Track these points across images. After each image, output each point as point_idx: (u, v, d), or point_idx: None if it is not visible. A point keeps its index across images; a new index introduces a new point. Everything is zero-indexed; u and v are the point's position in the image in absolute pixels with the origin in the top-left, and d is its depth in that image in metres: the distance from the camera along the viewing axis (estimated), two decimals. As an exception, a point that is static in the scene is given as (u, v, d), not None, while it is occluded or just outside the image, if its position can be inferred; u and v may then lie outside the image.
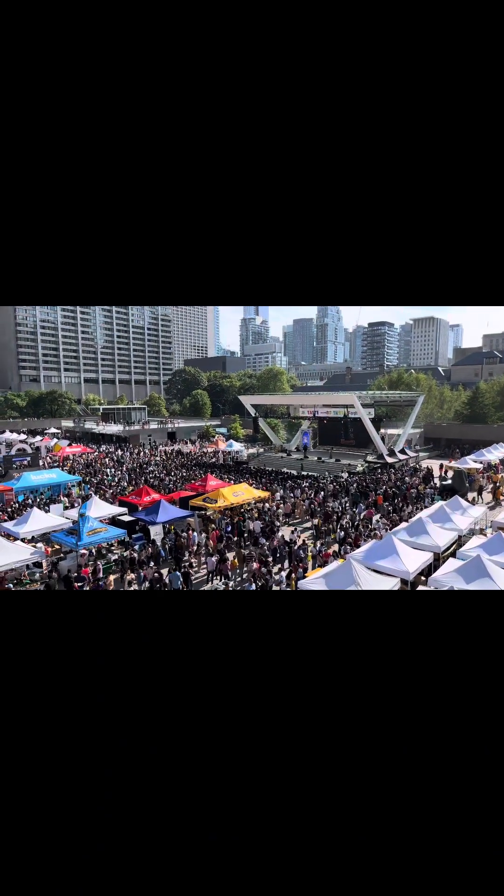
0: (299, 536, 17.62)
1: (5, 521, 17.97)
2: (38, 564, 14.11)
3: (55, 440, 44.40)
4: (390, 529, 16.48)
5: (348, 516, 19.75)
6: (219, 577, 14.19)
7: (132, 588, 12.90)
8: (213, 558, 15.15)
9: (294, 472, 32.30)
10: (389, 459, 32.16)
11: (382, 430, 35.41)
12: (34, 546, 14.69)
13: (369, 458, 33.53)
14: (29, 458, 34.20)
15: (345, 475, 29.74)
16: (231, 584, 13.26)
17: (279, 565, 15.72)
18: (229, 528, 18.23)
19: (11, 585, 12.98)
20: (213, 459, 39.53)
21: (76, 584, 12.94)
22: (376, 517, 19.47)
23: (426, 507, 19.96)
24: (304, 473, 31.60)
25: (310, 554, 15.80)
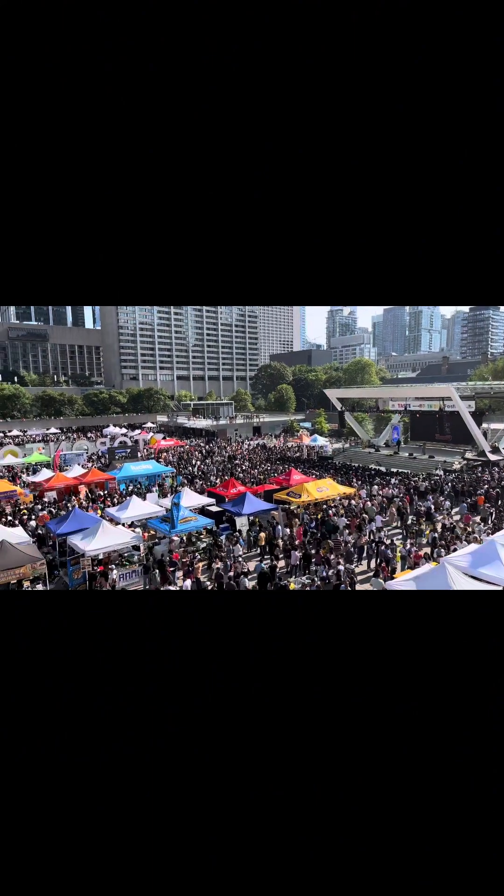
0: (388, 536, 16.88)
1: (110, 506, 19.89)
2: (136, 548, 15.41)
3: (151, 434, 47.89)
4: (492, 534, 15.01)
5: (443, 516, 18.41)
6: (303, 573, 14.19)
7: (217, 573, 13.48)
8: (298, 553, 15.18)
9: (383, 469, 30.95)
10: (493, 457, 29.22)
11: (485, 425, 32.22)
12: (133, 531, 16.06)
13: (468, 455, 30.82)
14: (129, 451, 37.36)
15: (440, 473, 27.71)
16: (316, 580, 13.18)
17: (365, 564, 15.23)
18: (313, 524, 18.11)
19: (114, 565, 14.36)
20: (298, 454, 39.46)
21: (169, 567, 13.89)
22: (476, 519, 17.87)
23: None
24: (394, 470, 30.10)
25: (398, 554, 15.06)
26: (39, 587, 13.27)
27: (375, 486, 24.39)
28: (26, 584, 13.10)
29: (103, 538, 14.23)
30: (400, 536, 17.70)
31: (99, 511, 19.42)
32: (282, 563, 15.32)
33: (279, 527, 17.42)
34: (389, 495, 22.40)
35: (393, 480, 25.83)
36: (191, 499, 19.05)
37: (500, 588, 10.87)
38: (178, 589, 12.52)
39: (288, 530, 17.41)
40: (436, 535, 16.38)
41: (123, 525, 16.49)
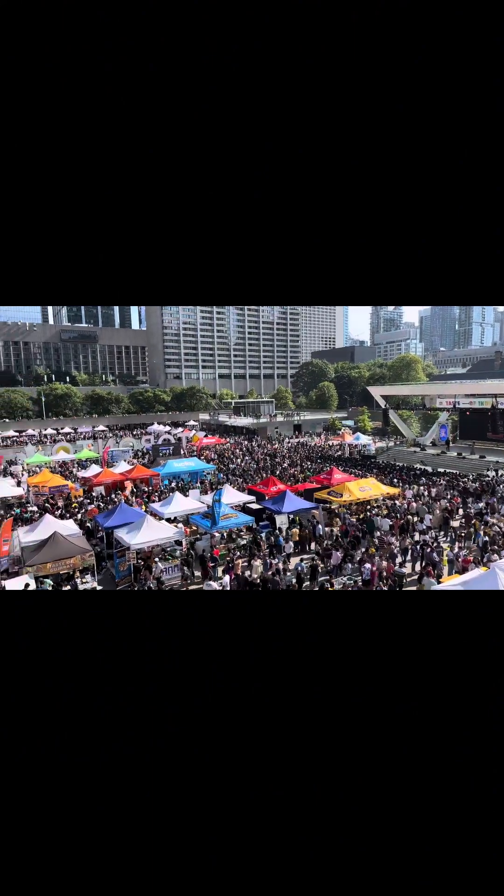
0: (435, 538, 16.25)
1: (154, 502, 20.50)
2: (178, 542, 15.80)
3: (193, 431, 48.85)
4: (550, 539, 14.06)
5: (496, 520, 17.46)
6: (343, 574, 13.96)
7: (257, 573, 13.53)
8: (339, 553, 14.95)
9: (429, 469, 29.81)
10: (551, 457, 27.35)
11: (542, 423, 30.19)
12: (176, 526, 16.46)
13: (523, 456, 29.03)
14: (172, 448, 38.31)
15: (491, 474, 26.30)
16: (359, 581, 12.93)
17: (409, 567, 14.75)
18: (354, 524, 17.76)
19: (158, 559, 14.79)
20: (339, 452, 38.81)
21: (209, 563, 14.12)
22: (531, 524, 16.79)
23: None
24: (441, 470, 28.89)
25: (445, 558, 14.46)
26: (88, 578, 13.91)
27: (422, 487, 23.54)
28: (76, 574, 13.78)
29: (147, 532, 14.69)
30: (447, 540, 16.98)
31: (143, 506, 20.06)
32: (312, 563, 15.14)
33: (319, 526, 17.23)
34: (436, 496, 21.54)
35: (440, 481, 24.81)
36: (231, 496, 19.25)
37: None
38: (218, 584, 12.69)
39: (328, 529, 17.18)
40: (486, 539, 15.57)
41: (166, 520, 16.94)
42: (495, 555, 13.81)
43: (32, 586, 12.48)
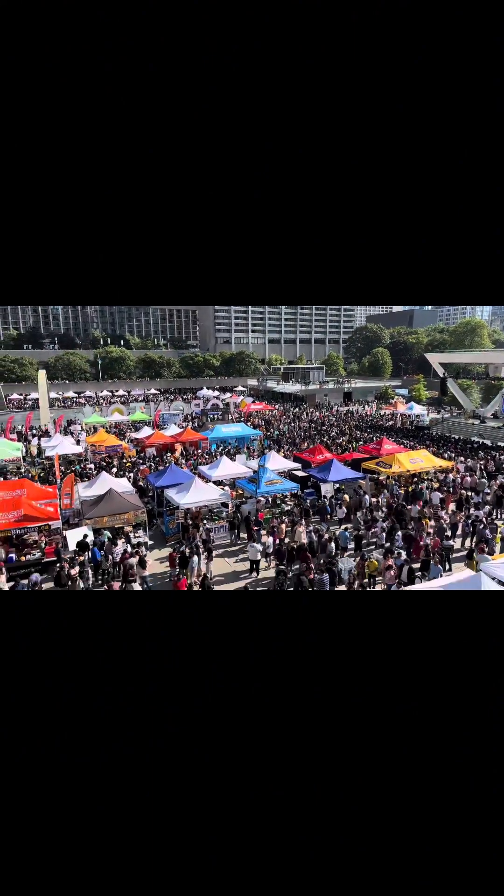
0: (489, 515, 15.56)
1: (202, 465, 21.08)
2: (224, 505, 16.28)
3: (241, 397, 49.01)
4: None
5: None
6: (388, 545, 13.83)
7: (300, 539, 13.72)
8: (385, 523, 14.76)
9: (487, 442, 28.16)
10: None
11: None
12: (222, 489, 16.92)
13: None
14: (220, 412, 38.78)
15: None
16: (403, 553, 12.76)
17: (458, 542, 14.32)
18: (402, 496, 17.34)
19: (206, 520, 15.38)
20: (391, 422, 37.50)
21: (254, 526, 14.49)
22: None
23: None
24: (501, 444, 27.19)
25: (499, 536, 13.85)
26: (140, 533, 14.79)
27: (478, 461, 22.38)
28: (128, 529, 14.69)
29: (195, 494, 15.24)
30: (502, 518, 16.21)
31: (192, 468, 20.72)
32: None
33: (366, 497, 17.01)
34: (493, 472, 20.44)
35: (499, 456, 23.42)
36: (277, 462, 19.36)
37: None
38: (261, 548, 13.04)
39: (375, 500, 16.93)
40: (547, 518, 14.68)
41: (213, 483, 17.43)
42: None
43: (90, 537, 13.49)
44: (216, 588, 11.32)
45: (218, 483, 17.77)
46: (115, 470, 21.63)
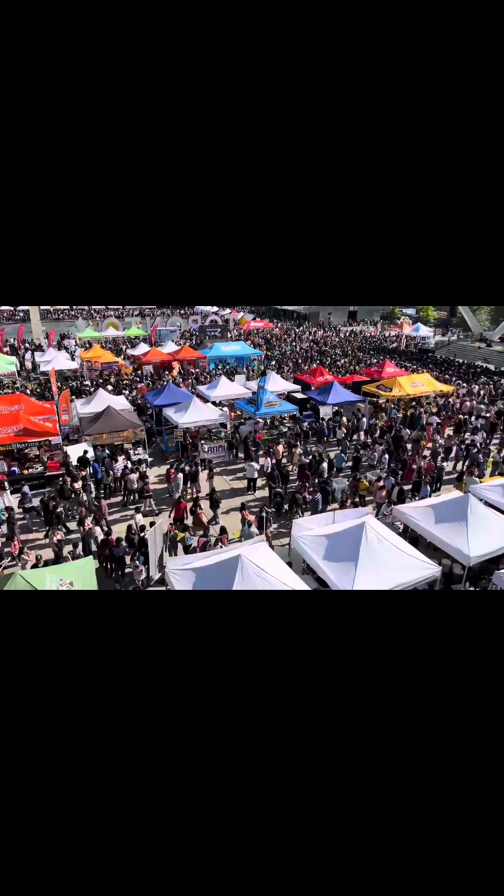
0: (484, 440, 15.79)
1: (200, 384, 20.81)
2: (223, 425, 16.38)
3: (242, 314, 46.85)
4: None
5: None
6: (382, 468, 14.18)
7: (297, 460, 14.03)
8: (381, 447, 15.01)
9: (491, 367, 27.63)
10: None
11: None
12: (221, 409, 16.89)
13: None
14: (220, 330, 37.33)
15: None
16: (391, 478, 13.14)
17: (450, 465, 14.70)
18: (400, 420, 17.42)
19: (203, 441, 15.57)
20: (395, 344, 36.40)
21: (252, 447, 14.73)
22: None
23: None
24: (505, 370, 26.74)
25: (490, 460, 14.20)
26: (140, 451, 15.05)
27: (480, 386, 22.15)
28: (128, 446, 14.91)
29: (194, 413, 15.24)
30: (497, 442, 16.47)
31: (190, 388, 20.48)
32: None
33: (364, 419, 17.07)
34: (494, 397, 20.33)
35: (501, 382, 23.13)
36: (277, 383, 19.11)
37: None
38: (259, 467, 13.37)
39: (373, 423, 17.03)
40: (540, 444, 14.93)
41: (212, 403, 17.35)
42: (545, 461, 13.36)
43: (91, 454, 13.74)
44: (220, 501, 11.81)
45: (216, 403, 17.69)
46: (111, 387, 21.38)
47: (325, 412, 17.59)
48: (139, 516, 11.01)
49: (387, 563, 7.80)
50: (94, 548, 10.21)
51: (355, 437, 16.11)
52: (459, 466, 14.51)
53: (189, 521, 11.07)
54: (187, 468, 13.41)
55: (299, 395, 18.86)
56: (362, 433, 16.25)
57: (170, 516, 11.29)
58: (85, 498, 11.90)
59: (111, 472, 13.41)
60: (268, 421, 17.16)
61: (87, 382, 23.27)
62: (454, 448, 14.96)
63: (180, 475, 12.84)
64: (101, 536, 10.19)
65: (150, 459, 14.96)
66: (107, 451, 14.26)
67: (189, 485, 13.13)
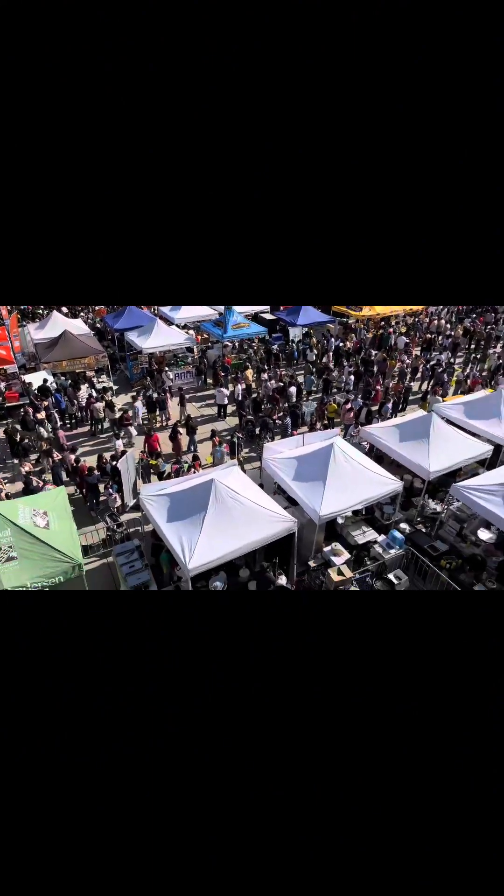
0: (449, 359, 16.02)
1: (163, 306, 19.58)
2: (189, 349, 15.77)
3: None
4: None
5: (515, 344, 16.87)
6: (352, 391, 14.31)
7: (268, 384, 13.91)
8: (349, 369, 15.00)
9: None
10: None
11: None
12: (187, 332, 16.13)
13: None
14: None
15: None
16: (359, 399, 13.33)
17: (418, 385, 15.01)
18: (369, 341, 17.29)
19: (168, 367, 15.02)
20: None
21: (221, 372, 14.39)
22: (552, 350, 16.27)
23: None
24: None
25: (454, 378, 14.56)
26: (104, 378, 14.44)
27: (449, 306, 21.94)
28: (90, 374, 14.25)
29: (158, 337, 14.51)
30: (460, 360, 16.78)
31: (152, 310, 19.28)
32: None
33: (332, 340, 16.82)
34: (462, 316, 20.31)
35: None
36: (245, 305, 18.21)
37: None
38: (230, 392, 13.20)
39: (343, 344, 16.85)
40: (501, 362, 15.35)
41: (177, 326, 16.50)
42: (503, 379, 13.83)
43: (51, 381, 13.09)
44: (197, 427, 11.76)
45: (181, 326, 16.85)
46: (65, 310, 19.82)
47: (295, 333, 17.16)
48: (119, 443, 10.90)
49: (353, 481, 8.20)
50: (65, 477, 10.16)
51: (324, 359, 15.98)
52: (425, 386, 14.84)
53: (167, 448, 11.07)
54: (155, 395, 13.09)
55: (268, 316, 18.18)
56: (331, 355, 16.11)
57: (144, 445, 11.23)
58: (49, 428, 11.57)
59: (75, 402, 12.94)
60: (236, 344, 16.63)
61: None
62: (420, 368, 15.17)
63: (138, 404, 12.52)
64: (72, 464, 10.12)
65: (115, 387, 14.45)
66: (69, 379, 13.61)
67: (158, 412, 12.91)
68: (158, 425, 12.83)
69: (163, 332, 14.75)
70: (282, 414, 12.52)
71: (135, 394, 13.33)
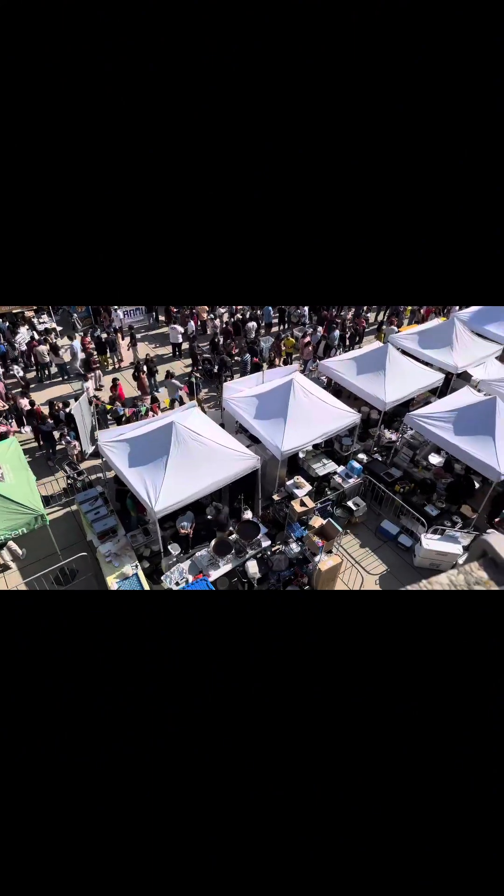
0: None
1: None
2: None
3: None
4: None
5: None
6: (309, 324, 14.05)
7: (215, 322, 13.37)
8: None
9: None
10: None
11: None
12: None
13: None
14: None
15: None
16: (315, 332, 13.16)
17: (374, 316, 14.95)
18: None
19: (115, 305, 13.97)
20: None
21: (172, 308, 13.60)
22: None
23: None
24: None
25: (408, 309, 14.61)
26: (45, 318, 13.32)
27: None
28: (29, 313, 13.09)
29: (101, 271, 13.33)
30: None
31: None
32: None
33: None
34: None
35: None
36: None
37: (502, 346, 11.06)
38: (182, 331, 12.61)
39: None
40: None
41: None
42: (458, 307, 14.03)
43: (-14, 326, 11.94)
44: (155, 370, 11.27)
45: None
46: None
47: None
48: (89, 384, 10.41)
49: (313, 416, 8.33)
50: (15, 426, 9.66)
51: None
52: (381, 317, 14.82)
53: (131, 392, 10.64)
54: (104, 336, 12.31)
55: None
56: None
57: (112, 391, 10.72)
58: (-8, 377, 10.75)
59: (16, 346, 11.97)
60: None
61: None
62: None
63: (76, 342, 11.68)
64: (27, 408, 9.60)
65: (59, 329, 13.41)
66: (6, 321, 12.45)
67: (109, 354, 12.23)
68: (110, 367, 12.22)
69: (106, 265, 13.55)
70: (239, 351, 12.21)
71: (84, 335, 12.46)
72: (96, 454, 9.03)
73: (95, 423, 9.85)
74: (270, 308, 14.15)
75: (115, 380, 10.64)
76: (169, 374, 10.74)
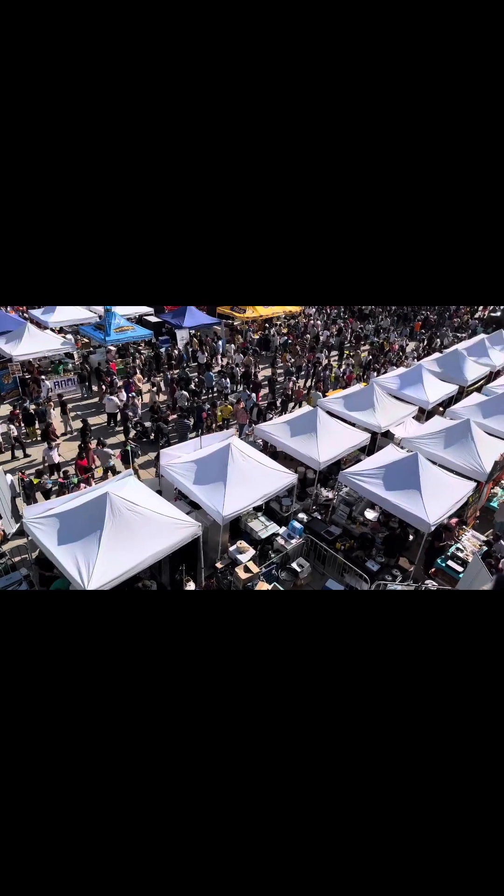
0: (327, 357, 17.37)
1: (34, 309, 17.82)
2: (69, 355, 14.60)
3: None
4: (421, 359, 16.00)
5: (382, 340, 18.98)
6: (243, 387, 14.66)
7: (158, 386, 13.55)
8: (240, 370, 15.36)
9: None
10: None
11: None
12: (64, 337, 14.92)
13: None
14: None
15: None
16: (252, 396, 13.75)
17: (303, 382, 16.00)
18: (256, 342, 17.92)
19: (44, 376, 13.71)
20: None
21: (106, 377, 13.59)
22: (411, 346, 18.67)
23: (468, 338, 18.87)
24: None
25: (333, 374, 15.85)
26: (-34, 391, 12.62)
27: (325, 309, 23.80)
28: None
29: (30, 343, 13.15)
30: (336, 358, 18.32)
31: (21, 312, 17.42)
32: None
33: (221, 342, 17.06)
34: (334, 317, 22.17)
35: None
36: (126, 307, 17.48)
37: (416, 406, 12.20)
38: (120, 402, 12.55)
39: (230, 346, 17.18)
40: (370, 358, 17.12)
41: (52, 330, 15.16)
42: (375, 372, 15.48)
43: None
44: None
45: (58, 330, 15.53)
46: None
47: (183, 336, 17.00)
48: (55, 453, 9.84)
49: (252, 478, 8.41)
50: None
51: (214, 359, 16.12)
52: (309, 383, 15.87)
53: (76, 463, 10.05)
54: (32, 407, 11.85)
55: (153, 319, 17.71)
56: (220, 357, 16.32)
57: (75, 466, 10.06)
58: None
59: None
60: (118, 349, 15.88)
61: None
62: (304, 366, 16.19)
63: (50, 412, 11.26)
64: None
65: (-18, 401, 12.71)
66: None
67: (37, 425, 11.71)
68: (39, 439, 11.64)
69: (35, 337, 13.43)
70: (176, 417, 12.30)
71: (13, 408, 11.88)
72: (22, 532, 8.25)
73: (19, 498, 9.12)
74: (212, 374, 14.64)
75: (80, 446, 10.24)
76: (100, 443, 10.45)
